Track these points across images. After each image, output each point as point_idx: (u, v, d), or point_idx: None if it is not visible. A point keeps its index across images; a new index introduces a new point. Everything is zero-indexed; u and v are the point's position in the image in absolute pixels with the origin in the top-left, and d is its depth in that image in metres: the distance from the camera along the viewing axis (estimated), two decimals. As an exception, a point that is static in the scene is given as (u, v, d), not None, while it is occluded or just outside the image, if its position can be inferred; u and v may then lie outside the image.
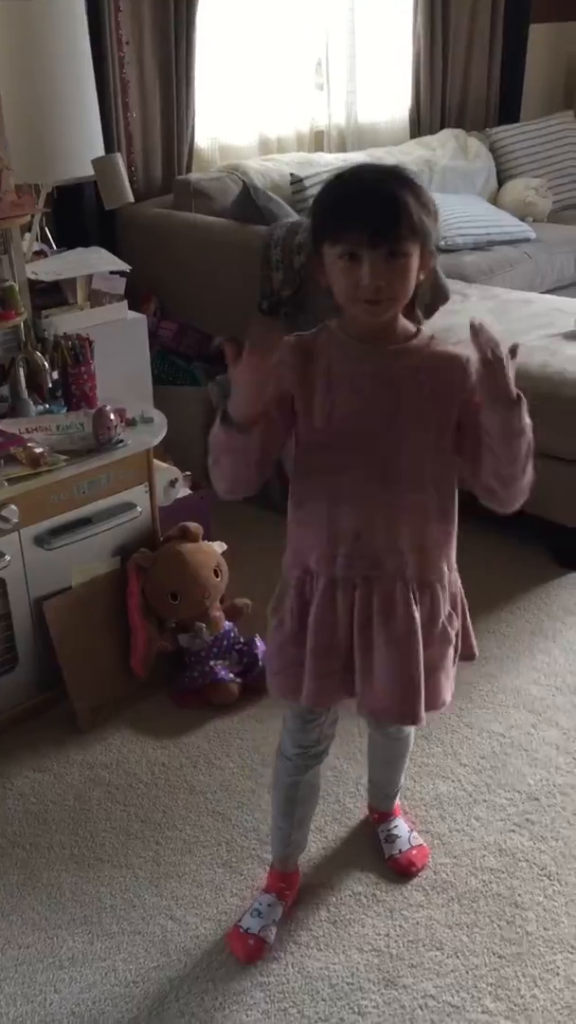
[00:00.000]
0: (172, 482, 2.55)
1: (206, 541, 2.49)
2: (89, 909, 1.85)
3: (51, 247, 3.10)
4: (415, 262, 1.36)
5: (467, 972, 1.70)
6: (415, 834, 1.96)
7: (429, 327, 1.49)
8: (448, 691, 1.61)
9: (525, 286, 3.97)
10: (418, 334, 1.46)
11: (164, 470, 2.54)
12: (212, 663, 2.38)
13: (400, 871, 1.90)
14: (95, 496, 2.30)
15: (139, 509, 2.39)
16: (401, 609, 1.51)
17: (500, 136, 4.86)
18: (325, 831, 2.00)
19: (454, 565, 1.58)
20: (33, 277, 2.67)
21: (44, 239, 3.11)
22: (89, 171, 2.90)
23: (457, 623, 1.60)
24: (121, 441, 2.32)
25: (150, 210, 3.73)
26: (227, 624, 2.46)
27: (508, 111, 5.14)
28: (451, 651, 1.59)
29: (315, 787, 1.78)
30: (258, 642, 2.44)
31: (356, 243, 1.33)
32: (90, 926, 1.82)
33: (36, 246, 2.95)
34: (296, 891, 1.84)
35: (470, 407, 1.38)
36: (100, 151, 2.93)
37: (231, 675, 2.39)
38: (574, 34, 5.41)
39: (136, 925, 1.82)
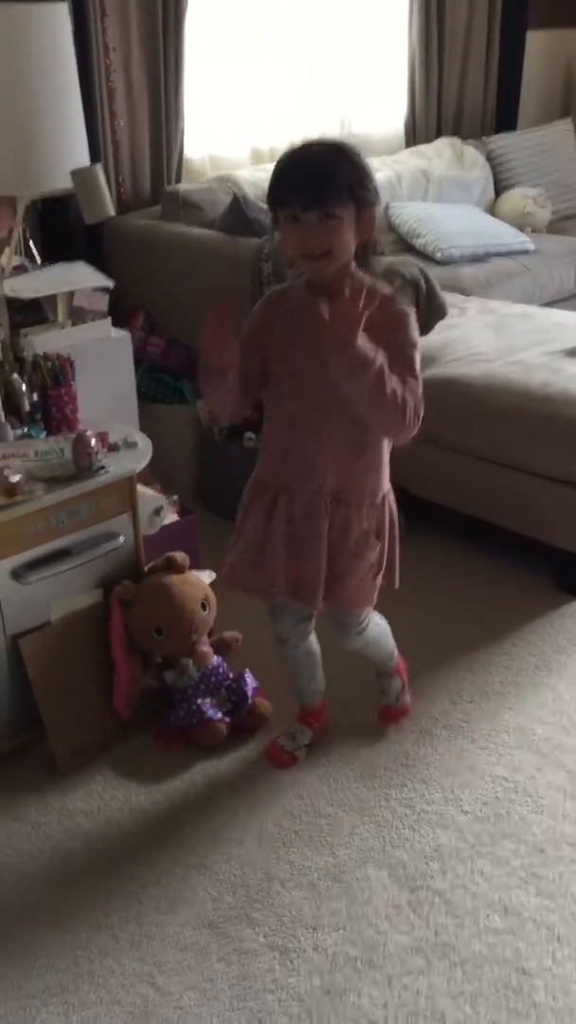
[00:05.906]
0: (157, 510, 2.43)
1: (193, 571, 2.37)
2: (65, 976, 1.72)
3: (34, 261, 2.98)
4: (348, 223, 1.63)
5: (472, 1049, 1.58)
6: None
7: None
8: (359, 598, 1.95)
9: (524, 299, 3.86)
10: (358, 286, 1.62)
11: (149, 497, 2.41)
12: (199, 701, 2.26)
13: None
14: (75, 526, 2.17)
15: (122, 539, 2.26)
16: (313, 517, 1.84)
17: (497, 145, 4.76)
18: (318, 887, 1.87)
19: (383, 495, 1.88)
20: (11, 294, 2.55)
21: (28, 253, 2.99)
22: (70, 183, 2.77)
23: (377, 545, 1.89)
24: (103, 467, 2.19)
25: (138, 222, 3.61)
26: (215, 659, 2.33)
27: (505, 119, 5.04)
28: (365, 566, 1.89)
29: (310, 654, 2.14)
30: (248, 678, 2.31)
31: (294, 207, 1.62)
32: (66, 995, 1.69)
33: (16, 260, 2.82)
34: (324, 720, 2.24)
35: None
36: (84, 161, 2.80)
37: (219, 714, 2.26)
38: (572, 41, 5.31)
39: (115, 994, 1.69)
